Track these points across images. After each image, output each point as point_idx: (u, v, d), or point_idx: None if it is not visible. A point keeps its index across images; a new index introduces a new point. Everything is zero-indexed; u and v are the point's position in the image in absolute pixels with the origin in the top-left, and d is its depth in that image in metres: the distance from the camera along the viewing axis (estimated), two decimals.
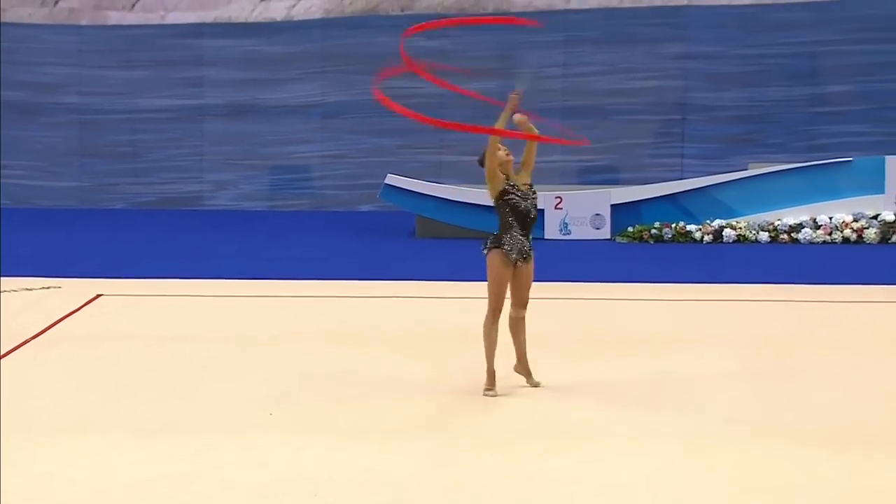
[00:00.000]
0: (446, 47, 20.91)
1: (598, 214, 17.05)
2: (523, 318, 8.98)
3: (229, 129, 21.21)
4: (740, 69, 20.08)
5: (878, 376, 9.10)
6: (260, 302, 12.44)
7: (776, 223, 16.58)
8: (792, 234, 16.51)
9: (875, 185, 16.57)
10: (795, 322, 11.17)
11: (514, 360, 9.06)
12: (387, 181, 17.88)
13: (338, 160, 21.08)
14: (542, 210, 17.17)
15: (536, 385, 9.00)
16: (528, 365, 9.06)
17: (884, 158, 16.76)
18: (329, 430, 7.96)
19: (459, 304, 12.35)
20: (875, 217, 16.43)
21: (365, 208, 20.65)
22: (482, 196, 17.18)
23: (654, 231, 16.72)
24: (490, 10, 20.86)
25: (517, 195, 8.84)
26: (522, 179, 9.00)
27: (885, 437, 7.64)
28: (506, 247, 8.81)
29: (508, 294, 8.93)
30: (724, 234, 16.56)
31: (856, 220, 16.45)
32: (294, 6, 21.29)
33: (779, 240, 16.51)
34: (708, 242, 16.58)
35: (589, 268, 14.62)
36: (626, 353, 9.95)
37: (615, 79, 20.39)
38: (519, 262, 8.85)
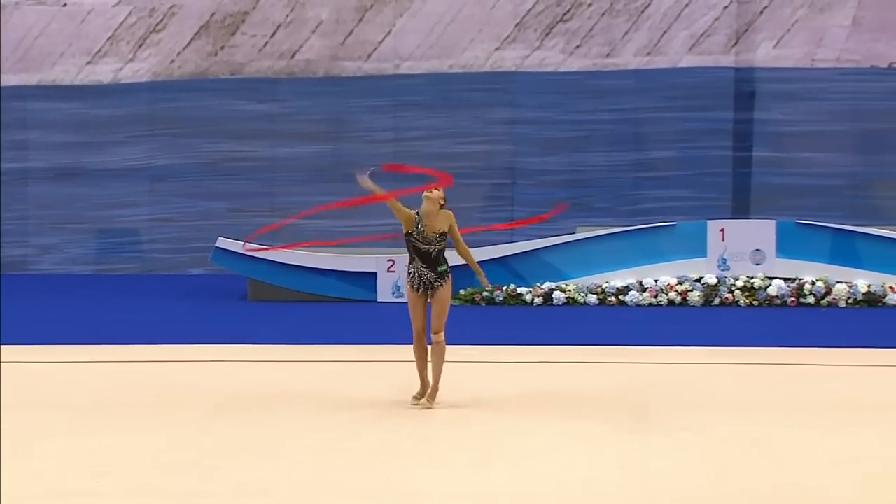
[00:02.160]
0: (276, 111, 20.88)
1: None
2: (435, 342, 10.24)
3: (55, 192, 20.78)
4: (567, 134, 20.46)
5: (699, 439, 9.23)
6: (85, 367, 12.13)
7: (604, 286, 16.84)
8: (619, 297, 16.79)
9: (698, 248, 16.97)
10: (621, 383, 11.30)
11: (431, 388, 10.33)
12: (217, 244, 17.69)
13: (167, 223, 20.80)
14: (375, 273, 17.24)
15: (427, 407, 10.14)
16: (427, 387, 10.33)
17: (706, 223, 17.18)
18: (157, 497, 7.76)
19: (292, 367, 12.24)
20: (698, 280, 16.81)
21: (195, 272, 20.39)
22: (315, 259, 17.20)
23: (485, 294, 16.83)
24: (321, 74, 20.90)
25: (419, 240, 10.31)
26: (436, 227, 10.35)
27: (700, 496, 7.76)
28: (409, 275, 10.33)
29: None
30: (553, 296, 16.76)
31: (680, 283, 16.81)
32: (121, 69, 21.02)
33: (607, 302, 16.77)
34: (538, 305, 16.76)
35: None
36: (459, 415, 9.95)
37: (445, 143, 20.58)
38: (422, 290, 10.24)
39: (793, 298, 16.51)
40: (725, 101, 20.27)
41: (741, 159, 20.24)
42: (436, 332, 10.24)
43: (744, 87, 20.32)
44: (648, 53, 20.66)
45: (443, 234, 10.36)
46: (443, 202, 10.52)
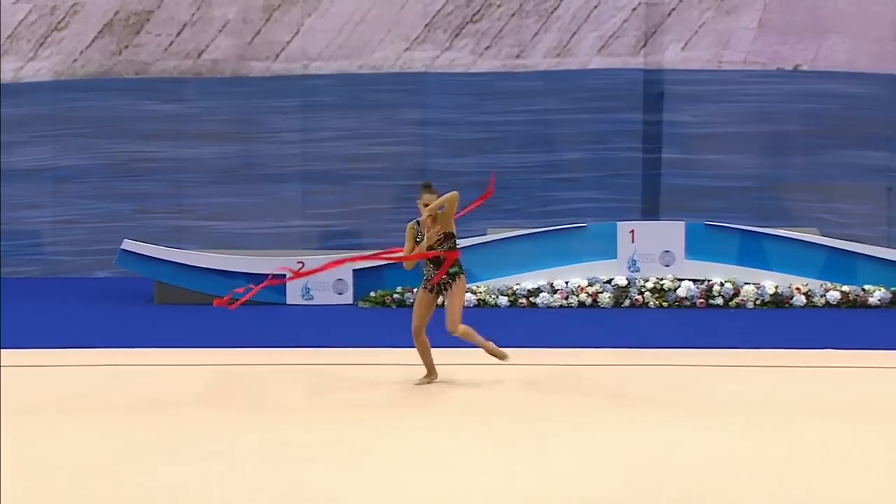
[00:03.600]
0: (182, 111, 20.74)
1: (340, 279, 17.10)
2: (462, 335, 10.79)
3: None
4: (477, 136, 20.55)
5: (609, 440, 9.33)
6: None
7: (515, 287, 16.94)
8: (530, 299, 16.89)
9: (608, 250, 17.13)
10: (532, 385, 11.37)
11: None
12: (123, 246, 17.53)
13: (71, 225, 20.58)
14: (284, 275, 17.16)
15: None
16: (434, 374, 11.11)
17: (615, 224, 17.35)
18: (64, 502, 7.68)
19: (199, 370, 12.16)
20: (608, 281, 16.96)
21: (101, 274, 20.19)
22: (223, 261, 17.09)
23: (396, 296, 16.85)
24: (228, 74, 20.78)
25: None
26: (431, 232, 10.88)
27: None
28: (424, 277, 10.97)
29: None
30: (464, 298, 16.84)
31: (591, 285, 16.96)
32: (22, 68, 20.75)
33: (518, 304, 16.87)
34: None
35: (332, 333, 14.62)
36: (369, 416, 9.96)
37: (355, 144, 20.57)
38: (434, 291, 10.90)
39: (702, 300, 16.72)
40: (635, 103, 20.48)
41: (651, 161, 20.47)
42: (458, 327, 10.76)
43: (653, 88, 20.55)
44: (558, 55, 20.81)
45: (446, 235, 10.82)
46: (439, 207, 10.90)
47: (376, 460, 8.58)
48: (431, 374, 11.20)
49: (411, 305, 16.88)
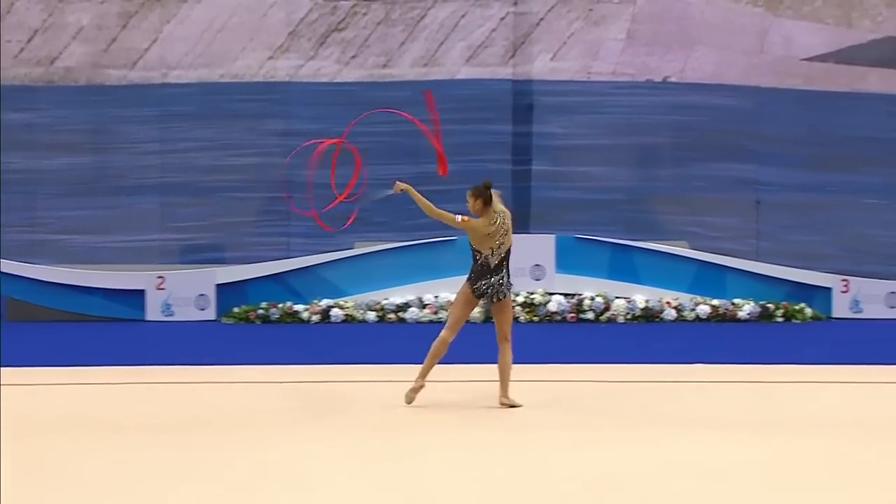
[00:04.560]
0: (34, 121, 20.40)
1: (202, 295, 16.99)
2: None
3: None
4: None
5: (474, 456, 9.39)
6: None
7: (383, 302, 16.97)
8: (399, 314, 16.94)
9: None
10: (401, 402, 11.42)
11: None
12: None
13: None
14: (143, 291, 17.00)
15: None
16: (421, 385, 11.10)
17: None
18: None
19: (53, 390, 11.99)
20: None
21: None
22: (78, 276, 16.86)
23: (260, 311, 16.79)
24: (83, 82, 20.52)
25: (481, 259, 11.27)
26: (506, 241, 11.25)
27: None
28: (474, 285, 11.26)
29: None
30: (331, 313, 16.83)
31: None
32: None
33: (386, 319, 16.90)
34: (316, 322, 16.80)
35: (193, 350, 14.51)
36: (231, 439, 9.92)
37: (216, 155, 20.42)
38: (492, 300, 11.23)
39: (573, 314, 16.93)
40: (504, 114, 20.65)
41: (520, 173, 20.65)
42: (508, 339, 11.13)
43: (522, 99, 20.76)
44: (426, 65, 20.92)
45: (509, 250, 11.19)
46: (481, 212, 11.36)
47: (239, 479, 8.55)
48: (421, 378, 11.22)
49: (277, 321, 16.83)
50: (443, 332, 11.12)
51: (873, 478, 8.53)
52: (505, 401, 10.99)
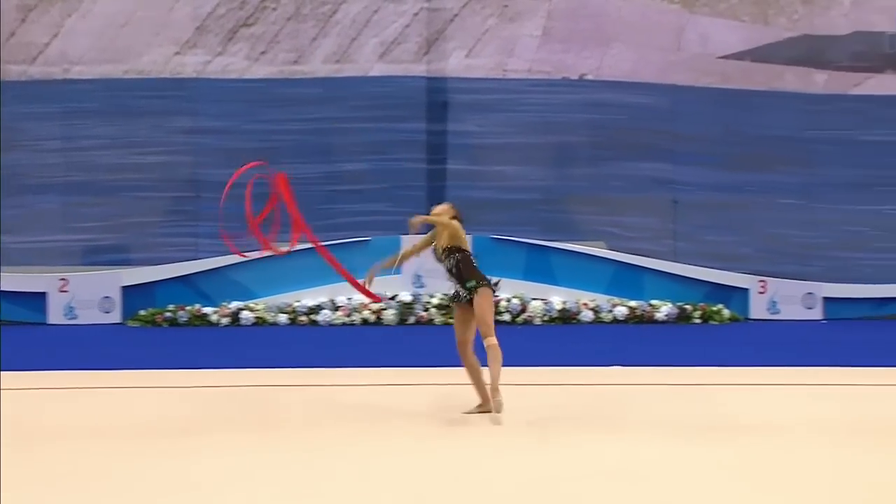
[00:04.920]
0: None
1: (107, 297, 16.73)
2: (487, 347, 10.60)
3: None
4: (253, 145, 20.34)
5: (388, 462, 9.33)
6: None
7: (295, 304, 16.84)
8: (311, 316, 16.81)
9: None
10: (310, 406, 11.32)
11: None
12: None
13: None
14: (45, 293, 16.71)
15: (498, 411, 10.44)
16: (486, 398, 10.75)
17: (400, 237, 17.40)
18: None
19: None
20: (393, 298, 16.99)
21: None
22: None
23: (168, 314, 16.57)
24: None
25: (438, 258, 11.14)
26: (440, 243, 11.21)
27: None
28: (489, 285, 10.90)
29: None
30: (241, 316, 16.65)
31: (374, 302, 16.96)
32: None
33: (298, 321, 16.77)
34: (225, 325, 16.61)
35: (96, 354, 14.28)
36: (136, 446, 9.76)
37: (120, 153, 20.14)
38: (457, 302, 10.97)
39: None
40: (418, 112, 20.58)
41: (435, 172, 20.60)
42: (485, 338, 10.68)
43: (436, 97, 20.70)
44: (337, 61, 20.80)
45: (448, 250, 10.96)
46: (452, 216, 11.27)
47: (150, 485, 8.41)
48: (484, 402, 10.84)
49: (185, 324, 16.62)
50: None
51: (783, 481, 8.58)
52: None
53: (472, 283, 10.85)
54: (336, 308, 16.90)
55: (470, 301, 10.85)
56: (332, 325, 16.80)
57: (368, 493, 8.31)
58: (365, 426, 10.41)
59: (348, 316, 16.86)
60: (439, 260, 11.09)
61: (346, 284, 17.00)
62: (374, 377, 12.91)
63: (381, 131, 20.57)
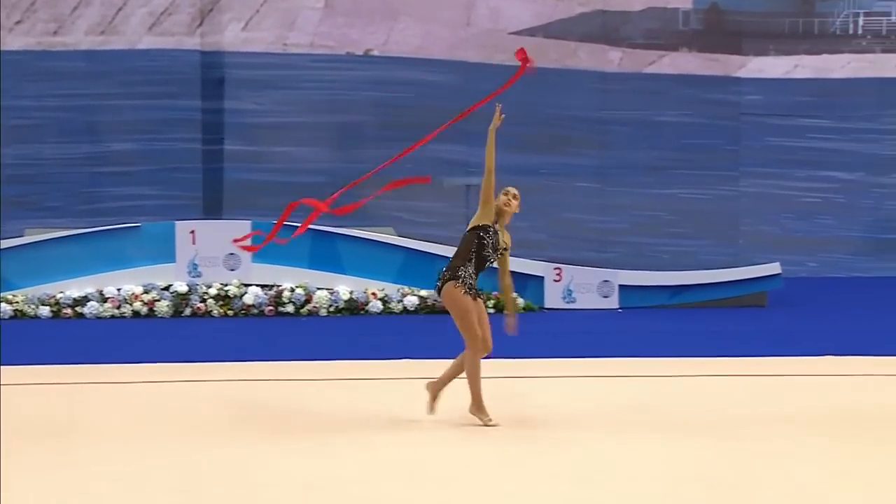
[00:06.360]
0: None
1: None
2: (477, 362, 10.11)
3: None
4: (10, 122, 19.87)
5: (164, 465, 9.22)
6: None
7: (58, 296, 16.52)
8: (76, 308, 16.51)
9: (165, 252, 16.92)
10: (90, 406, 11.12)
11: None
12: None
13: None
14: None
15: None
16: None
17: (174, 224, 17.16)
18: None
19: None
20: (167, 288, 16.78)
21: None
22: None
23: None
24: None
25: (489, 242, 9.97)
26: (506, 238, 10.13)
27: None
28: (462, 281, 9.94)
29: None
30: None
31: (146, 292, 16.71)
32: None
33: (62, 314, 16.45)
34: None
35: None
36: None
37: None
38: (474, 296, 10.01)
39: (271, 307, 16.81)
40: (192, 89, 20.35)
41: (212, 153, 20.39)
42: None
43: (212, 72, 20.49)
44: (102, 32, 20.44)
45: (505, 250, 10.13)
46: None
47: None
48: (484, 413, 10.21)
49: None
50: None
51: (562, 474, 8.81)
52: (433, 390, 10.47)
53: (441, 276, 10.16)
54: (104, 299, 16.60)
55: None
56: (99, 317, 16.51)
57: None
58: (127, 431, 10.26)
59: (118, 308, 16.58)
60: (493, 249, 10.08)
61: (116, 274, 16.81)
62: (143, 374, 12.73)
63: (152, 109, 20.27)
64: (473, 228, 10.09)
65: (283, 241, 11.90)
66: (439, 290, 10.19)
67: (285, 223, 10.97)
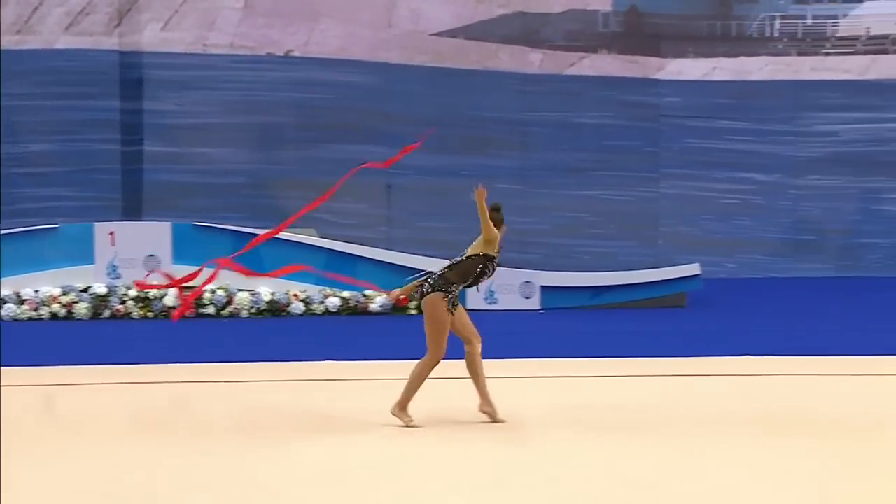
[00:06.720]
0: None
1: None
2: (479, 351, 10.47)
3: None
4: None
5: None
6: None
7: None
8: None
9: (84, 254, 16.85)
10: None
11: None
12: None
13: None
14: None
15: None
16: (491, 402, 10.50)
17: (92, 225, 17.09)
18: None
19: None
20: (85, 290, 16.71)
21: None
22: None
23: None
24: None
25: (489, 272, 10.52)
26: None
27: None
28: (450, 296, 10.33)
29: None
30: None
31: (65, 294, 16.63)
32: None
33: None
34: None
35: None
36: None
37: None
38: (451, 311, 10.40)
39: (191, 309, 16.77)
40: (110, 89, 20.25)
41: (131, 154, 20.31)
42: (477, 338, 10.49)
43: (130, 73, 20.41)
44: (18, 32, 20.31)
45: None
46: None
47: None
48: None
49: None
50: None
51: (473, 476, 8.93)
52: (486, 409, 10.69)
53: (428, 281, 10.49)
54: (22, 301, 16.51)
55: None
56: (16, 319, 16.41)
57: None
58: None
59: (35, 310, 16.50)
60: (489, 274, 10.71)
61: (32, 276, 16.71)
62: (60, 376, 12.70)
63: (70, 109, 20.16)
64: (484, 255, 10.51)
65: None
66: (423, 296, 10.49)
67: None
